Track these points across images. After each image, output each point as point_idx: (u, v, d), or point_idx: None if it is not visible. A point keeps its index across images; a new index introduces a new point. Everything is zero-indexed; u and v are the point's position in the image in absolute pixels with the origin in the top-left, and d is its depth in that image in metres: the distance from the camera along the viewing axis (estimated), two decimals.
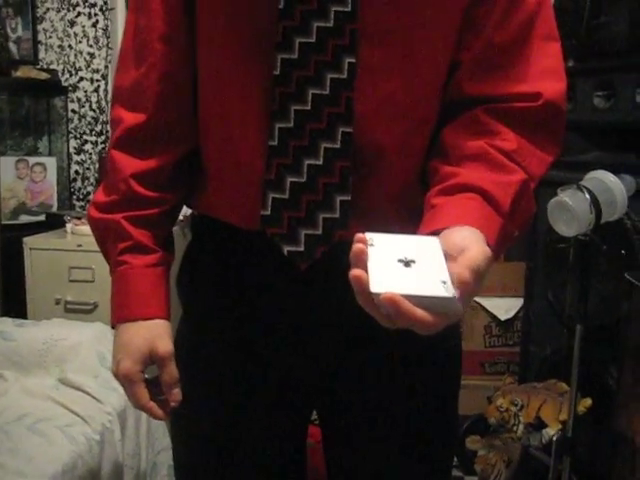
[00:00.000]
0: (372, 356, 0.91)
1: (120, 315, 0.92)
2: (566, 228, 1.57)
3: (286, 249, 0.84)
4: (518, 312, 2.50)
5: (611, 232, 1.71)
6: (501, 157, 0.81)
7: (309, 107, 0.81)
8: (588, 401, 1.84)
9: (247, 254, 0.90)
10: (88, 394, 1.78)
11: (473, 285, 0.64)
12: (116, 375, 0.89)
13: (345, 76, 0.80)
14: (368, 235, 0.66)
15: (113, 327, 0.93)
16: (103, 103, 2.94)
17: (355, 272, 0.61)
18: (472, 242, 0.69)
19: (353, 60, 0.80)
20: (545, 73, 0.84)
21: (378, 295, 0.60)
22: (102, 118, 2.94)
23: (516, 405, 2.03)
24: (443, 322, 0.63)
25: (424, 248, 0.67)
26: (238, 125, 0.86)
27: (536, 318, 2.27)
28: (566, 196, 1.55)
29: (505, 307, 2.52)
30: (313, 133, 0.82)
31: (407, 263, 0.65)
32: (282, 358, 0.92)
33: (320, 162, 0.82)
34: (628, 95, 1.87)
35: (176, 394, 0.88)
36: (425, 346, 0.86)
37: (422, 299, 0.61)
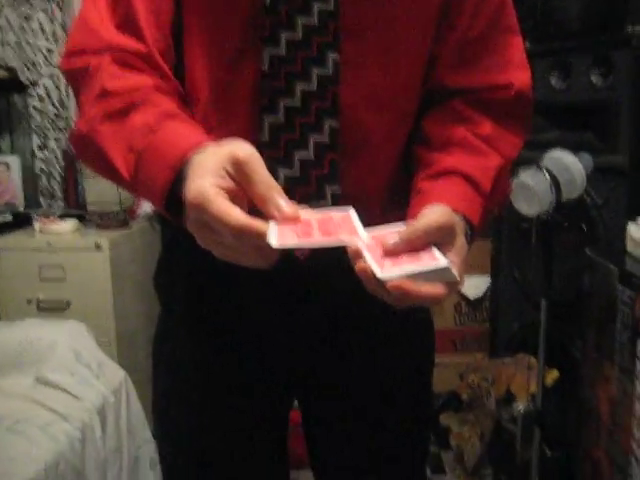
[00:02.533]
0: (348, 338, 0.96)
1: (175, 156, 0.70)
2: (528, 208, 1.62)
3: None
4: (486, 290, 2.56)
5: (572, 209, 1.77)
6: (479, 143, 0.88)
7: (299, 103, 0.84)
8: (555, 373, 1.90)
9: None
10: (66, 392, 1.79)
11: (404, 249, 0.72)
12: (188, 207, 0.66)
13: (330, 72, 0.84)
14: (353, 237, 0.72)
15: (166, 196, 0.71)
16: (65, 99, 2.91)
17: (360, 265, 0.68)
18: (458, 231, 0.76)
19: (337, 56, 0.84)
20: (514, 64, 0.92)
21: (385, 281, 0.67)
22: (64, 114, 2.91)
23: (487, 380, 2.09)
24: (447, 291, 0.71)
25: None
26: (227, 121, 0.87)
27: (503, 295, 2.33)
28: (527, 177, 1.60)
29: (473, 286, 2.58)
30: (303, 127, 0.85)
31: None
32: (264, 347, 0.95)
33: (311, 155, 0.85)
34: (583, 75, 1.93)
35: (285, 206, 0.66)
36: (396, 323, 0.94)
37: (423, 274, 0.69)
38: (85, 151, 0.82)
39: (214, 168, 0.66)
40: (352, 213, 0.71)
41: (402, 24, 0.86)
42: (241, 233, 0.63)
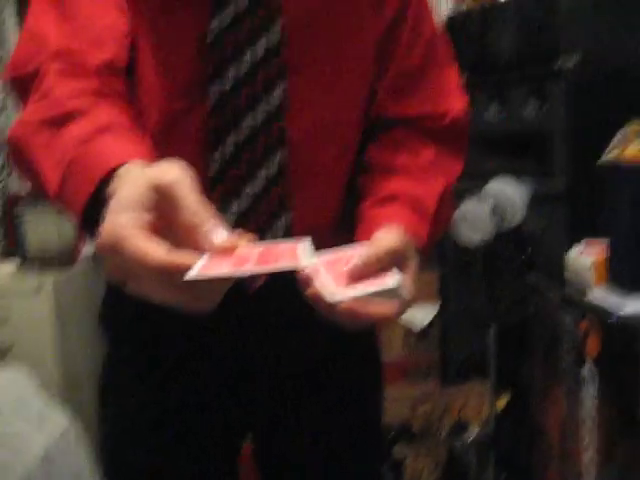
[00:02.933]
0: (297, 373, 0.95)
1: (99, 172, 0.63)
2: (470, 237, 1.65)
3: None
4: (434, 319, 2.58)
5: (513, 237, 1.81)
6: (422, 169, 0.91)
7: (245, 137, 0.84)
8: (506, 398, 1.92)
9: None
10: (6, 442, 1.71)
11: (365, 273, 0.70)
12: (102, 249, 0.57)
13: (276, 106, 0.85)
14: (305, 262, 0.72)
15: (83, 225, 0.65)
16: (3, 140, 2.85)
17: (310, 291, 0.67)
18: (410, 255, 0.76)
19: (282, 92, 0.85)
20: (448, 94, 0.96)
21: (336, 304, 0.67)
22: (1, 155, 2.84)
23: (439, 409, 2.10)
24: (397, 310, 0.71)
25: (354, 254, 0.74)
26: (175, 155, 0.86)
27: (451, 324, 2.36)
28: (468, 206, 1.63)
29: (421, 315, 2.60)
30: (250, 163, 0.85)
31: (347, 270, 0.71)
32: (213, 382, 0.93)
33: (259, 190, 0.86)
34: (519, 105, 1.99)
35: (216, 234, 0.57)
36: (344, 355, 0.96)
37: (373, 295, 0.69)
38: (17, 157, 0.76)
39: (132, 201, 0.56)
40: (301, 245, 0.67)
41: (344, 58, 0.88)
42: (163, 272, 0.54)
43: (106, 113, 0.72)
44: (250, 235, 0.61)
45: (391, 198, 0.87)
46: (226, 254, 0.57)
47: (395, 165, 0.91)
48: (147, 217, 0.56)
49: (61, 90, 0.73)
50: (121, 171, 0.62)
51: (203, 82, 0.83)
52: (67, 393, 2.24)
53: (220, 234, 0.57)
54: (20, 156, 0.75)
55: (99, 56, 0.78)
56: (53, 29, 0.80)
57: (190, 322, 0.89)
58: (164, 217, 0.57)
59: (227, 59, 0.83)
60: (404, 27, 0.92)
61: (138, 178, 0.58)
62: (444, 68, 0.96)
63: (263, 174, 0.86)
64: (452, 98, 0.96)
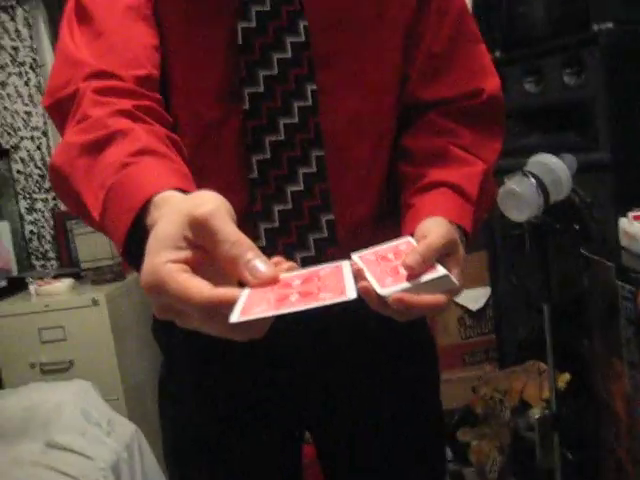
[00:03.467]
0: (352, 371, 0.95)
1: (138, 201, 0.62)
2: (518, 214, 1.61)
3: None
4: (488, 300, 2.56)
5: (562, 211, 1.77)
6: (461, 152, 0.90)
7: (283, 137, 0.85)
8: (566, 376, 1.89)
9: None
10: (78, 453, 1.76)
11: (423, 267, 0.70)
12: (146, 289, 0.57)
13: (310, 103, 0.85)
14: (354, 257, 0.72)
15: (124, 253, 0.64)
16: (48, 159, 2.92)
17: (362, 284, 0.67)
18: (431, 228, 0.75)
19: (314, 87, 0.85)
20: (481, 71, 0.95)
21: (386, 297, 0.68)
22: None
23: (500, 392, 2.08)
24: (447, 299, 0.71)
25: (402, 247, 0.75)
26: (214, 162, 0.87)
27: (505, 304, 2.32)
28: (513, 183, 1.60)
29: (474, 298, 2.57)
30: (290, 161, 0.85)
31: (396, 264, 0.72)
32: (267, 387, 0.94)
33: (302, 187, 0.86)
34: (555, 77, 1.95)
35: (259, 266, 0.56)
36: (398, 349, 0.96)
37: (423, 285, 0.69)
38: (59, 185, 0.75)
39: (170, 238, 0.56)
40: (345, 266, 0.64)
41: (371, 48, 0.88)
42: (208, 308, 0.53)
43: (143, 136, 0.70)
44: (290, 263, 0.60)
45: (433, 185, 0.86)
46: (268, 285, 0.56)
47: (434, 151, 0.90)
48: (186, 254, 0.56)
49: (98, 111, 0.72)
50: (158, 200, 0.61)
51: (236, 87, 0.84)
52: (130, 401, 2.29)
53: (260, 264, 0.56)
54: (63, 184, 0.74)
55: (134, 73, 0.77)
56: (86, 49, 0.80)
57: None
58: (203, 251, 0.56)
59: (257, 61, 0.84)
60: (429, 9, 0.91)
61: (174, 213, 0.57)
62: (474, 44, 0.95)
63: (304, 172, 0.86)
64: (485, 75, 0.95)
